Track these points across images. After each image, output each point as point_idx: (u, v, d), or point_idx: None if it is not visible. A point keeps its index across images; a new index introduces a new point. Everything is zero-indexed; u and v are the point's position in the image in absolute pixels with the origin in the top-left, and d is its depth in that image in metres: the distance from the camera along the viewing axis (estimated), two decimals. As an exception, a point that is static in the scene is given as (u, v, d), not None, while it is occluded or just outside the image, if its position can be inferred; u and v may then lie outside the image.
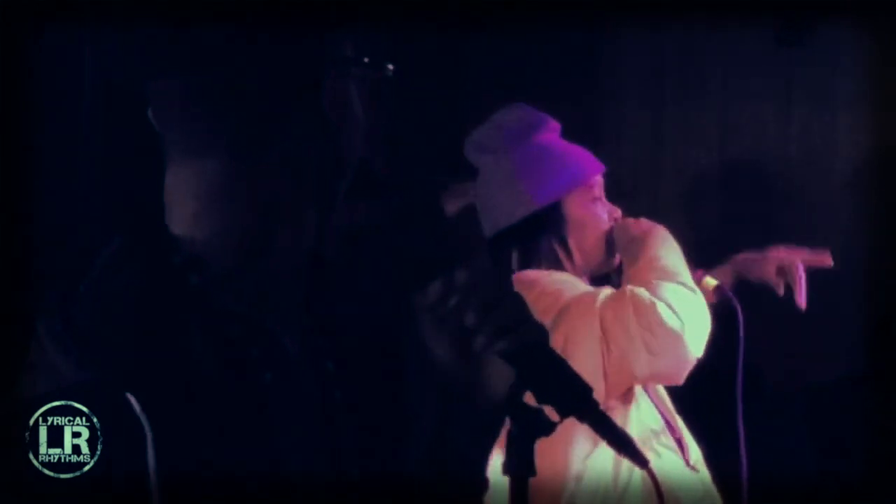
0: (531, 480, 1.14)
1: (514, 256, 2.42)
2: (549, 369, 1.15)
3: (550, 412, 1.15)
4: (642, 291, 2.25)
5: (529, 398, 1.16)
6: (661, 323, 2.22)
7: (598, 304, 2.25)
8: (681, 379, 2.32)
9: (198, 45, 1.15)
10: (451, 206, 2.67)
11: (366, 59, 1.21)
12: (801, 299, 2.52)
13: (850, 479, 3.17)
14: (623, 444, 1.15)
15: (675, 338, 2.23)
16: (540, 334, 1.16)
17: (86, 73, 2.32)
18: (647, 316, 2.22)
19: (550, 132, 2.50)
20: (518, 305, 1.16)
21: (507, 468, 1.14)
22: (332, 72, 1.19)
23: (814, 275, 2.57)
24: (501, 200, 2.44)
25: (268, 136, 1.16)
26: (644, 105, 3.66)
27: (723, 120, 3.62)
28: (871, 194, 3.47)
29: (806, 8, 3.43)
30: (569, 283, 2.34)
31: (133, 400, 1.07)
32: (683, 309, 2.24)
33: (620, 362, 2.23)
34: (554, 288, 2.30)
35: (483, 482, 1.24)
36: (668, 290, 2.26)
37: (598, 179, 2.48)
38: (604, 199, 2.49)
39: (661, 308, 2.22)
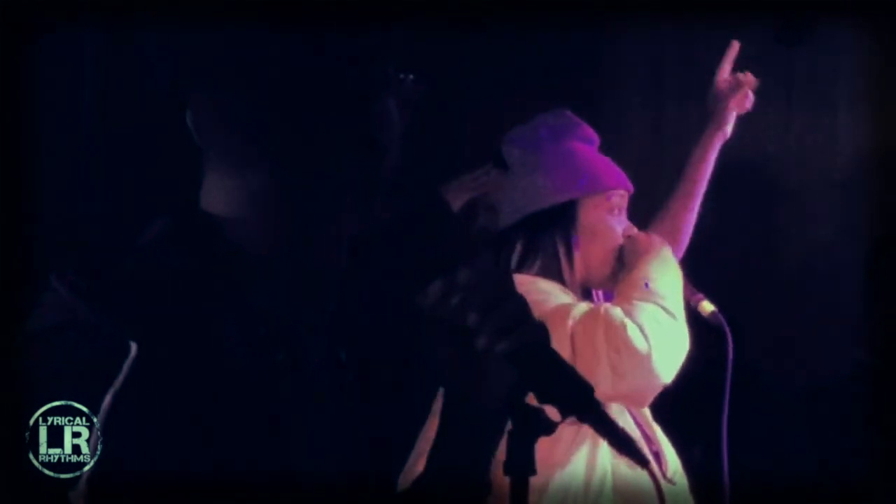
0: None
1: (516, 252, 2.41)
2: (551, 369, 1.15)
3: (552, 412, 1.15)
4: (616, 311, 2.23)
5: (531, 398, 1.16)
6: (629, 344, 2.19)
7: (571, 318, 2.23)
8: (645, 402, 2.31)
9: (245, 58, 1.16)
10: (457, 202, 2.66)
11: (411, 77, 1.22)
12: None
13: (850, 479, 3.17)
14: (624, 443, 1.15)
15: (641, 360, 2.19)
16: (541, 334, 1.16)
17: (86, 74, 2.32)
18: (615, 336, 2.19)
19: (585, 141, 2.50)
20: (519, 305, 1.16)
21: (508, 468, 1.14)
22: (381, 92, 1.19)
23: (814, 274, 2.56)
24: (519, 193, 2.44)
25: (311, 154, 1.17)
26: (644, 105, 3.66)
27: (723, 120, 3.61)
28: (871, 194, 3.47)
29: (806, 8, 3.43)
30: (550, 294, 2.31)
31: (134, 348, 1.07)
32: (655, 332, 2.21)
33: None
34: (534, 297, 2.27)
35: (486, 484, 1.24)
36: (645, 311, 2.24)
37: (621, 194, 2.46)
38: (623, 216, 2.47)
39: (631, 329, 2.20)
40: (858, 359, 3.15)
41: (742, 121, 3.61)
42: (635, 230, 2.47)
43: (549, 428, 1.14)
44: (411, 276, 1.17)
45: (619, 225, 2.45)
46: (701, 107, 2.81)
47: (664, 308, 2.26)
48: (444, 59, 3.51)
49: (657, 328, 2.22)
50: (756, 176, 3.59)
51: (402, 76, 1.22)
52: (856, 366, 3.23)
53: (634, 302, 2.26)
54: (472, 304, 1.14)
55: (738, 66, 2.74)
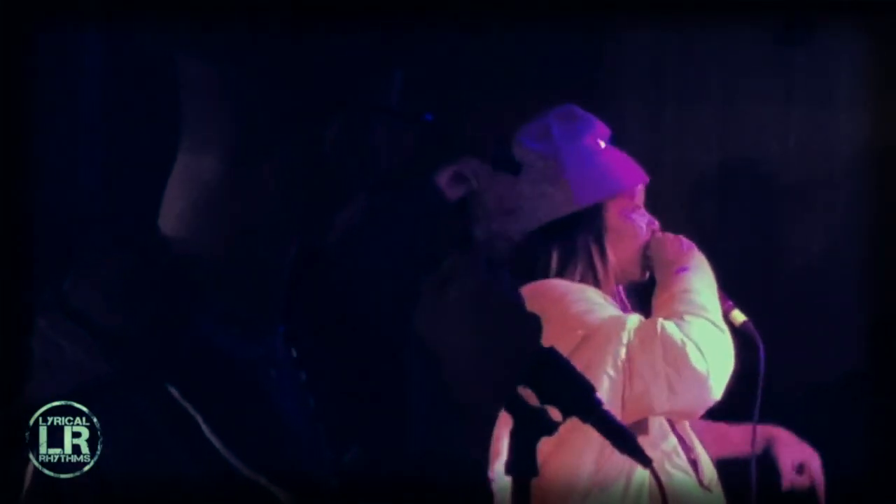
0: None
1: (554, 258, 2.41)
2: (552, 369, 1.15)
3: (553, 412, 1.15)
4: (673, 329, 2.26)
5: (532, 398, 1.15)
6: (689, 365, 2.24)
7: (625, 333, 2.25)
8: (695, 417, 2.37)
9: (239, 38, 1.15)
10: (453, 192, 2.60)
11: (405, 111, 1.21)
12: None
13: (850, 479, 3.17)
14: (625, 442, 1.15)
15: (701, 380, 2.25)
16: (535, 329, 1.16)
17: (86, 73, 2.32)
18: (674, 355, 2.24)
19: (599, 136, 2.51)
20: (517, 305, 1.16)
21: (510, 468, 1.14)
22: (346, 113, 1.18)
23: (814, 273, 2.57)
24: (545, 196, 2.43)
25: (268, 147, 1.16)
26: (644, 105, 3.66)
27: (723, 120, 3.61)
28: (870, 194, 3.47)
29: (806, 8, 3.43)
30: (598, 305, 2.32)
31: (174, 390, 1.06)
32: (711, 352, 2.26)
33: (641, 396, 2.24)
34: (583, 307, 2.28)
35: (486, 482, 1.24)
36: (699, 328, 2.27)
37: (640, 189, 2.51)
38: (643, 209, 2.51)
39: (691, 349, 2.23)
40: (858, 359, 3.15)
41: (742, 121, 3.62)
42: (657, 224, 2.50)
43: (550, 428, 1.14)
44: (407, 276, 1.17)
45: (643, 219, 2.48)
46: (701, 107, 2.81)
47: (713, 323, 2.31)
48: (442, 58, 3.51)
49: (713, 347, 2.27)
50: (756, 175, 3.59)
51: (394, 107, 1.21)
52: (855, 366, 3.24)
53: (686, 317, 2.28)
54: (468, 305, 1.14)
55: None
